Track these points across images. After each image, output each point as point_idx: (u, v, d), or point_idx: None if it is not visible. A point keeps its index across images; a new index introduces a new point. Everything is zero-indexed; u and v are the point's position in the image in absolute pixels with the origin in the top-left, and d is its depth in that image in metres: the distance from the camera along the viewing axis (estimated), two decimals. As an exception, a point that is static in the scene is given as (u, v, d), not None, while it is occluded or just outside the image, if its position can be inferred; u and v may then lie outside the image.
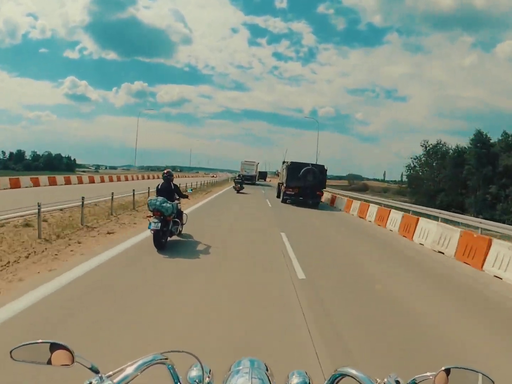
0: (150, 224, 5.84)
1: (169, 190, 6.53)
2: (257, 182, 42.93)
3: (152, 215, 6.02)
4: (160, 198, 6.06)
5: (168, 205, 6.01)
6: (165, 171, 6.84)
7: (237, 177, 26.90)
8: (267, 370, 0.85)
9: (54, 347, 0.70)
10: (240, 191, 23.34)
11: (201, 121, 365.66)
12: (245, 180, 28.81)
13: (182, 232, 7.23)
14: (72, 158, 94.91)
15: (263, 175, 61.81)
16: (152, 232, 5.85)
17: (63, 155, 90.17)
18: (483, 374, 0.71)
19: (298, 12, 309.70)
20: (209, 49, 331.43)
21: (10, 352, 0.69)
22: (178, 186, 7.05)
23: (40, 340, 0.71)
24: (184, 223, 7.15)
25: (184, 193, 7.31)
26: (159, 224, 5.77)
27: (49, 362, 0.70)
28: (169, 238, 6.33)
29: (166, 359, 0.76)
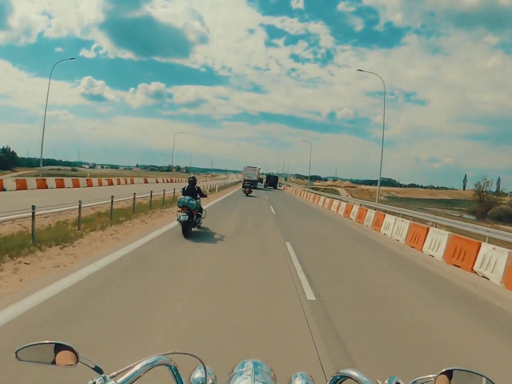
0: (179, 216, 8.29)
1: (193, 191, 9.01)
2: (259, 187, 48.19)
3: (181, 210, 8.48)
4: (187, 197, 8.57)
5: (194, 202, 8.51)
6: (191, 176, 9.40)
7: (245, 182, 32.96)
8: (270, 372, 0.94)
9: (58, 347, 0.77)
10: (249, 195, 28.69)
11: (218, 122, 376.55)
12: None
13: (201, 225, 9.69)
14: (11, 151, 74.78)
15: (271, 180, 55.07)
16: (181, 223, 8.28)
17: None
18: (485, 377, 0.76)
19: (315, 12, 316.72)
20: (225, 49, 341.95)
21: (16, 352, 0.76)
22: (201, 187, 9.54)
23: (45, 341, 0.78)
24: (203, 217, 9.60)
25: (204, 194, 9.77)
26: (187, 216, 8.23)
27: (53, 363, 0.77)
28: (192, 229, 8.77)
29: (169, 360, 0.81)
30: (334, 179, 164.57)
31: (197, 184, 9.53)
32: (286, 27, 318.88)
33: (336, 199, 24.77)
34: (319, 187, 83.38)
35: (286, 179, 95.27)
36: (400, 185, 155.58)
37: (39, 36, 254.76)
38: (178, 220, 8.35)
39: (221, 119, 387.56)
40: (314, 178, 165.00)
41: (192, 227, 8.74)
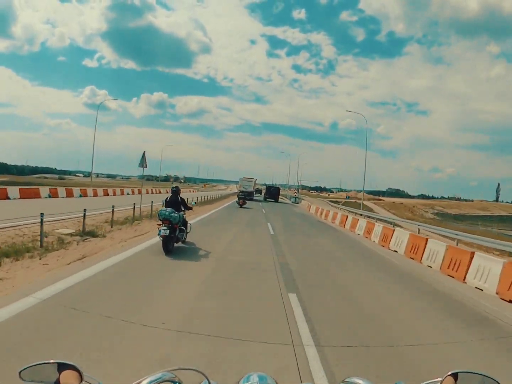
0: (160, 231, 7.62)
1: (176, 202, 8.35)
2: (257, 199, 47.16)
3: (161, 223, 7.80)
4: (169, 209, 7.91)
5: (176, 214, 7.84)
6: (174, 186, 8.72)
7: (240, 193, 32.19)
8: None
9: (62, 366, 0.78)
10: (243, 206, 28.04)
11: (220, 133, 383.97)
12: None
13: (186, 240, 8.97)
14: None
15: (272, 192, 48.45)
16: (161, 238, 7.59)
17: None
18: (490, 378, 0.79)
19: (317, 23, 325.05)
20: (228, 60, 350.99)
21: (19, 372, 0.78)
22: (185, 199, 8.86)
23: (48, 360, 0.79)
24: (188, 231, 8.91)
25: (188, 205, 9.07)
26: (168, 231, 7.57)
27: (57, 382, 0.77)
28: (175, 244, 8.06)
29: (174, 376, 0.84)
30: (340, 190, 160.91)
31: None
32: (288, 38, 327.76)
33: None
34: (338, 200, 66.50)
35: (298, 190, 67.09)
36: (410, 196, 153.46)
37: (42, 44, 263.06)
38: (158, 234, 7.68)
39: (223, 130, 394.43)
40: (319, 189, 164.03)
41: (175, 242, 8.03)
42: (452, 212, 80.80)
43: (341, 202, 58.55)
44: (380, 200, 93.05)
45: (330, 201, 58.80)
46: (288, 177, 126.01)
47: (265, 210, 28.38)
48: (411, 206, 77.55)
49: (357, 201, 70.02)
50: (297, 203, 50.88)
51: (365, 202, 67.82)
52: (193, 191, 62.50)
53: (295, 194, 60.22)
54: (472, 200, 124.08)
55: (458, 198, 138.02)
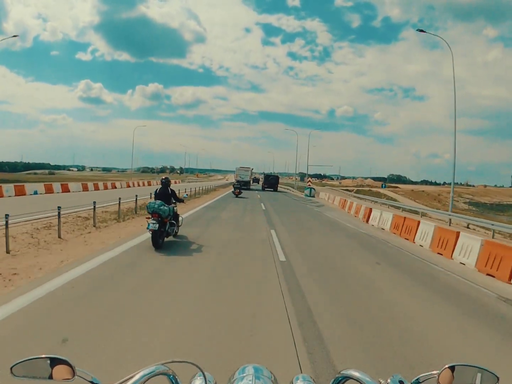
0: (148, 225, 7.29)
1: (166, 194, 8.00)
2: (254, 188, 48.14)
3: (150, 216, 7.44)
4: (158, 202, 7.54)
5: (165, 208, 7.48)
6: (163, 177, 8.33)
7: (236, 183, 33.03)
8: (271, 376, 0.94)
9: (54, 361, 0.78)
10: (239, 196, 28.43)
11: (217, 123, 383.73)
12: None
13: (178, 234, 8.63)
14: None
15: (271, 181, 46.81)
16: (150, 232, 7.25)
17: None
18: (487, 371, 0.80)
19: (311, 9, 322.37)
20: (222, 49, 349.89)
21: (11, 368, 0.77)
22: (175, 191, 8.50)
23: (41, 355, 0.79)
24: (180, 225, 8.57)
25: (180, 198, 8.70)
26: (157, 225, 7.22)
27: (50, 377, 0.78)
28: (165, 239, 7.72)
29: (168, 369, 0.83)
30: (341, 178, 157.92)
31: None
32: (283, 25, 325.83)
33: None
34: (348, 188, 63.08)
35: (303, 179, 55.27)
36: (412, 182, 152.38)
37: (35, 39, 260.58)
38: (147, 228, 7.33)
39: (220, 120, 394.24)
40: (319, 176, 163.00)
41: (165, 236, 7.69)
42: (486, 201, 72.77)
43: (352, 190, 53.93)
44: (397, 188, 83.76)
45: (342, 189, 51.85)
46: (296, 158, 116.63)
47: (278, 230, 11.22)
48: (436, 195, 69.33)
49: (371, 189, 65.12)
50: (313, 196, 38.15)
51: (381, 191, 59.94)
52: (176, 182, 52.55)
53: (309, 183, 44.09)
54: (485, 186, 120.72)
55: (467, 184, 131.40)
